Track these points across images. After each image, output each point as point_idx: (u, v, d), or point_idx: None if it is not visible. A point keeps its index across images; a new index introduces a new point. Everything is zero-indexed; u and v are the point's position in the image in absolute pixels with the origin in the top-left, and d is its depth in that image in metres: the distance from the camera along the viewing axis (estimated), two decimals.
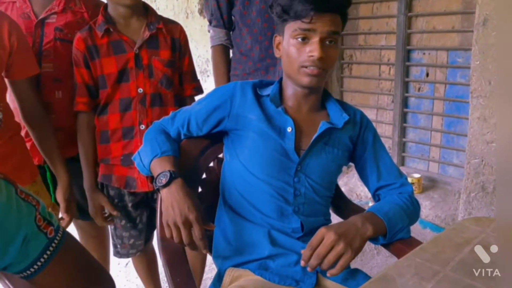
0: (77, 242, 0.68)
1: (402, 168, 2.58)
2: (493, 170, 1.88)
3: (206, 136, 1.05)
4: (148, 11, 1.30)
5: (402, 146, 2.59)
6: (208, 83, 2.86)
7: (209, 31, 1.63)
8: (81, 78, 1.25)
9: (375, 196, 1.07)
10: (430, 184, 2.45)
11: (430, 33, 2.33)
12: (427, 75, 2.40)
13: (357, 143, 1.05)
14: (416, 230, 2.29)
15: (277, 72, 1.57)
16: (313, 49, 0.91)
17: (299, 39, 0.93)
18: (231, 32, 1.61)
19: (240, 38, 1.56)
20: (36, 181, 1.25)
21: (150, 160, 0.97)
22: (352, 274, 0.96)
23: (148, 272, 1.53)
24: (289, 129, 0.98)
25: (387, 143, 2.64)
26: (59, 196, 1.30)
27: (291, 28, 0.94)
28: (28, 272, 0.60)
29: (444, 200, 2.33)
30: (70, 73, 1.28)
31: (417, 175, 2.39)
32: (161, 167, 0.95)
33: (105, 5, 1.27)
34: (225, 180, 1.05)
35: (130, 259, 1.71)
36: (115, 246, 1.42)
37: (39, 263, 0.60)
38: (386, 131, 2.65)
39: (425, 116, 2.46)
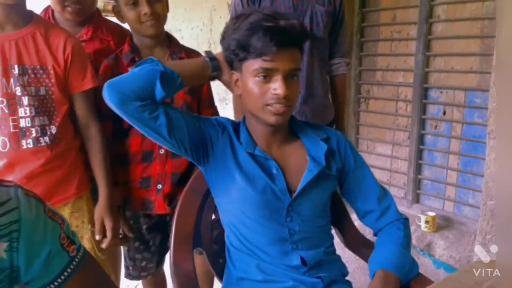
0: (96, 262, 0.71)
1: (416, 206, 2.55)
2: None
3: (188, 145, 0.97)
4: (171, 41, 1.36)
5: (417, 183, 2.57)
6: (226, 111, 2.92)
7: None
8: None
9: (364, 221, 1.08)
10: (445, 223, 2.41)
11: (448, 73, 2.35)
12: (444, 113, 2.41)
13: (341, 171, 1.04)
14: (429, 270, 2.24)
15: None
16: (277, 87, 0.89)
17: (261, 77, 0.90)
18: None
19: None
20: (82, 197, 1.28)
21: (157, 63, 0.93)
22: None
23: None
24: (274, 171, 0.97)
25: (402, 180, 2.62)
26: (95, 215, 1.28)
27: (251, 66, 0.91)
28: None
29: (459, 240, 2.28)
30: (97, 100, 1.33)
31: (431, 214, 2.36)
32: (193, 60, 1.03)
33: (131, 35, 1.33)
34: (223, 219, 1.04)
35: (139, 282, 1.71)
36: (127, 267, 1.44)
37: (59, 280, 0.63)
38: (401, 167, 2.64)
39: (441, 154, 2.45)
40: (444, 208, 2.48)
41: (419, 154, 2.53)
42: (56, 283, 0.63)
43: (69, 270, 0.64)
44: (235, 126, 1.03)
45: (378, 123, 2.72)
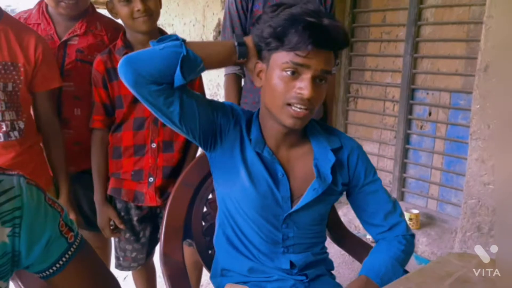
0: (92, 249, 0.74)
1: (401, 204, 2.61)
2: (489, 211, 1.92)
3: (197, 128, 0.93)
4: None
5: (402, 182, 2.64)
6: None
7: None
8: (99, 97, 1.32)
9: (368, 231, 1.06)
10: (428, 221, 2.48)
11: (434, 75, 2.42)
12: (430, 114, 2.48)
13: (348, 185, 1.02)
14: (411, 265, 2.30)
15: None
16: (303, 87, 0.83)
17: (289, 73, 0.84)
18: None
19: None
20: (50, 191, 1.31)
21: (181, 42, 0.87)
22: None
23: (147, 286, 1.57)
24: (280, 176, 0.95)
25: (388, 178, 2.69)
26: None
27: (282, 58, 0.84)
28: (47, 272, 0.66)
29: (441, 237, 2.36)
30: (89, 92, 1.35)
31: (415, 211, 2.43)
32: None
33: (125, 31, 1.35)
34: (221, 206, 1.03)
35: (128, 273, 1.74)
36: (117, 258, 1.47)
37: (58, 265, 0.66)
38: (387, 165, 2.71)
39: (426, 154, 2.53)
40: (428, 206, 2.56)
41: (405, 153, 2.60)
42: (54, 268, 0.66)
43: (67, 256, 0.67)
44: (249, 119, 0.99)
45: (366, 122, 2.78)
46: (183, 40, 0.87)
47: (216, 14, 3.13)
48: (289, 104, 0.86)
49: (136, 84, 0.85)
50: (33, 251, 0.63)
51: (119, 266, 1.47)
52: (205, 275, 1.82)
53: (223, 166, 0.98)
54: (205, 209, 1.15)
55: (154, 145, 1.33)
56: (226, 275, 1.03)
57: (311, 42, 0.81)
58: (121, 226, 1.39)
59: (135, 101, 1.32)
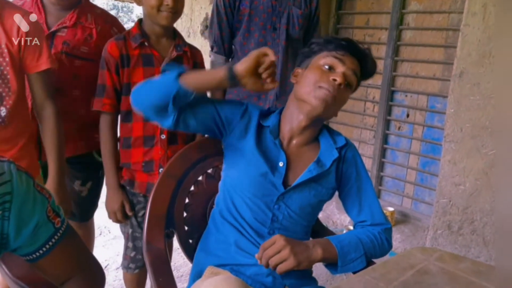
0: (77, 235, 0.78)
1: None
2: (459, 211, 2.02)
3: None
4: (176, 35, 1.41)
5: (380, 180, 2.73)
6: None
7: (210, 56, 1.75)
8: (111, 81, 1.31)
9: (355, 227, 1.13)
10: (402, 218, 2.57)
11: (413, 78, 2.50)
12: (408, 116, 2.56)
13: (341, 179, 1.11)
14: (383, 259, 2.40)
15: (267, 99, 1.70)
16: (336, 76, 1.00)
17: (326, 67, 1.03)
18: (230, 59, 1.74)
19: None
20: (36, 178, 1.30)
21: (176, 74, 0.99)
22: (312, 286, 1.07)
23: None
24: (280, 164, 1.05)
25: None
26: None
27: (323, 56, 1.04)
28: (34, 255, 0.70)
29: (414, 234, 2.46)
30: (71, 85, 1.35)
31: (390, 209, 2.52)
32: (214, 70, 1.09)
33: (140, 20, 1.36)
34: (223, 187, 1.11)
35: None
36: (125, 258, 1.45)
37: (44, 249, 0.70)
38: (365, 164, 2.77)
39: (402, 154, 2.61)
40: (403, 204, 2.66)
41: (383, 152, 2.68)
42: (41, 251, 0.69)
43: (53, 240, 0.70)
44: (264, 111, 1.12)
45: (347, 121, 2.85)
46: (180, 74, 0.99)
47: (203, 8, 3.15)
48: (320, 86, 1.01)
49: (140, 110, 1.04)
50: (21, 234, 0.66)
51: (125, 268, 1.46)
52: (177, 267, 1.87)
53: (234, 148, 1.09)
54: (187, 200, 1.19)
55: (163, 136, 1.34)
56: (217, 248, 1.07)
57: (347, 49, 1.04)
58: (130, 213, 1.38)
59: None
